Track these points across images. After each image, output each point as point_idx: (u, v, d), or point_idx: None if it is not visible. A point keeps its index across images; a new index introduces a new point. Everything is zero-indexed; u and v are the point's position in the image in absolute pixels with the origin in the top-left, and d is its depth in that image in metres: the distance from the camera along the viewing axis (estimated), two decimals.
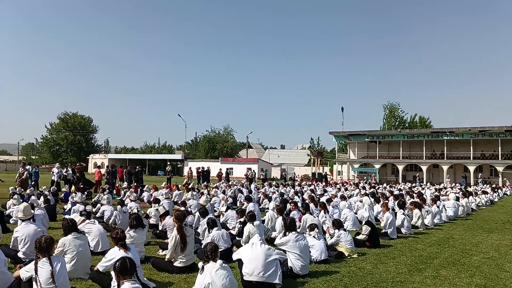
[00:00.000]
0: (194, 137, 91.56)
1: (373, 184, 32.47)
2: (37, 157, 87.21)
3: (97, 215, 11.29)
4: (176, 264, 6.54)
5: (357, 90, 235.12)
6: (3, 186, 19.44)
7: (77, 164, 21.59)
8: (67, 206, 13.20)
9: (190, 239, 6.72)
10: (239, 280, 5.70)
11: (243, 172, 42.65)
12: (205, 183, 26.67)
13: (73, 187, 19.02)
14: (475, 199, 20.34)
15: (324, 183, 33.60)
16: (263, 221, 10.26)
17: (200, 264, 4.93)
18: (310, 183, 34.29)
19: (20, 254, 6.58)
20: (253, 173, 41.78)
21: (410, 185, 35.49)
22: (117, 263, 4.19)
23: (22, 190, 15.20)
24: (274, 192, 19.60)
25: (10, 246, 6.92)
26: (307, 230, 7.99)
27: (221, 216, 11.08)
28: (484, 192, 24.64)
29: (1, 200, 12.86)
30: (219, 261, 4.92)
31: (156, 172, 67.39)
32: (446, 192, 23.31)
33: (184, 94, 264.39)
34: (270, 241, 8.60)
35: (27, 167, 20.99)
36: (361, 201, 15.19)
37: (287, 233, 6.78)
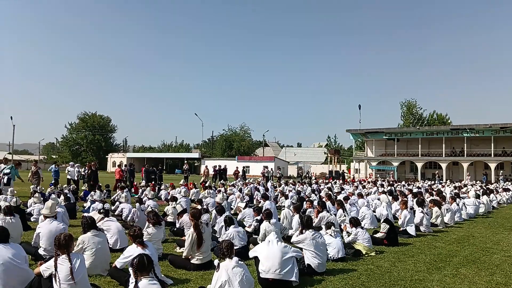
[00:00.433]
0: (211, 136, 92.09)
1: (391, 182, 32.13)
2: (57, 156, 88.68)
3: (115, 213, 11.44)
4: (193, 261, 6.59)
5: (374, 87, 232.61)
6: (24, 185, 19.82)
7: (92, 162, 21.95)
8: (87, 204, 13.41)
9: (207, 237, 6.75)
10: (256, 277, 5.71)
11: (260, 171, 42.68)
12: (221, 181, 26.78)
13: (85, 185, 19.35)
14: (496, 197, 19.98)
15: (341, 181, 33.38)
16: (279, 219, 10.25)
17: (216, 262, 4.96)
18: (327, 181, 34.09)
19: (40, 251, 6.72)
20: (271, 171, 41.80)
21: (429, 182, 35.00)
22: (135, 260, 4.24)
23: (38, 188, 15.46)
24: (291, 190, 19.55)
25: (32, 243, 7.07)
26: (324, 228, 7.96)
27: (238, 214, 11.10)
28: (506, 190, 24.18)
29: (22, 199, 13.10)
30: (235, 258, 4.94)
31: (173, 170, 67.94)
32: (467, 189, 22.93)
33: (201, 93, 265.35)
34: (286, 239, 8.59)
35: (51, 166, 21.64)
36: (379, 199, 15.04)
37: (304, 230, 6.75)
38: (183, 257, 6.76)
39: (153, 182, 23.05)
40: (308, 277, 6.24)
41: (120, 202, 11.93)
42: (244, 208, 11.05)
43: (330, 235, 7.46)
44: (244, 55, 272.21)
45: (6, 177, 16.64)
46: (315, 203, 11.68)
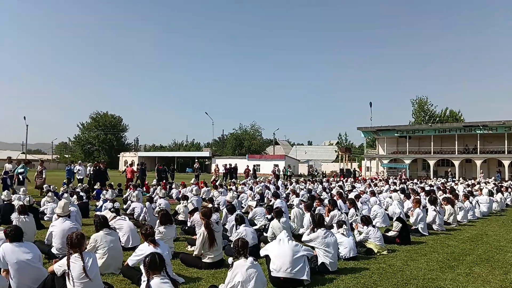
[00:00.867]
0: (221, 135, 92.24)
1: (403, 180, 31.88)
2: (70, 155, 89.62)
3: (127, 212, 11.52)
4: (205, 260, 6.60)
5: (385, 85, 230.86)
6: (30, 184, 19.96)
7: (102, 161, 22.24)
8: (99, 203, 13.53)
9: (218, 236, 6.76)
10: (267, 276, 5.70)
11: (270, 169, 42.70)
12: (232, 180, 26.81)
13: (97, 184, 19.51)
14: (510, 194, 19.70)
15: (352, 179, 33.20)
16: (290, 218, 10.23)
17: (230, 260, 4.95)
18: (338, 179, 33.93)
19: (53, 250, 6.79)
20: (285, 169, 41.83)
21: (443, 180, 34.64)
22: (147, 259, 4.26)
23: (51, 187, 15.61)
24: (303, 189, 19.51)
25: (45, 241, 7.15)
26: (335, 226, 7.92)
27: (249, 213, 11.11)
28: None
29: (35, 198, 13.26)
30: (250, 259, 4.92)
31: (184, 169, 68.20)
32: (479, 187, 22.65)
33: (211, 92, 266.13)
34: (297, 237, 8.57)
35: (70, 166, 22.29)
36: (390, 197, 14.93)
37: (315, 229, 6.72)
38: (194, 255, 6.79)
39: (164, 181, 23.19)
40: (320, 276, 6.21)
41: (132, 201, 12.01)
42: (255, 207, 11.04)
43: (342, 233, 7.42)
44: (255, 53, 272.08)
45: (20, 176, 16.86)
46: (326, 201, 11.65)
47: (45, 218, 11.20)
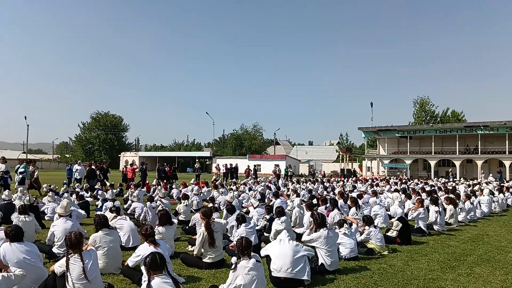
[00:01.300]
0: (222, 135, 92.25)
1: (404, 180, 31.83)
2: (70, 155, 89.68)
3: (128, 212, 11.51)
4: (205, 260, 6.59)
5: (386, 85, 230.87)
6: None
7: (104, 161, 22.24)
8: (99, 203, 13.51)
9: (218, 235, 6.75)
10: (267, 276, 5.69)
11: (271, 169, 42.71)
12: (233, 180, 26.79)
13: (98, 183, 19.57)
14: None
15: (353, 179, 33.15)
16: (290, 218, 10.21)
17: (233, 259, 4.93)
18: (338, 179, 33.91)
19: (55, 249, 6.80)
20: (286, 169, 41.81)
21: (443, 180, 34.59)
22: (147, 259, 4.25)
23: (52, 186, 15.60)
24: (303, 189, 19.47)
25: (46, 241, 7.15)
26: (336, 226, 7.89)
27: (251, 212, 11.09)
28: None
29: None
30: (252, 260, 4.90)
31: (185, 169, 68.20)
32: (479, 187, 22.60)
33: (212, 92, 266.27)
34: (297, 237, 8.55)
35: (70, 165, 22.22)
36: (391, 198, 14.88)
37: (317, 229, 6.70)
38: (194, 255, 6.78)
39: (165, 181, 23.18)
40: (320, 276, 6.20)
41: (132, 201, 12.01)
42: (256, 207, 11.03)
43: (345, 233, 7.39)
44: (255, 53, 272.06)
45: (21, 176, 16.86)
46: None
47: (46, 218, 11.19)
